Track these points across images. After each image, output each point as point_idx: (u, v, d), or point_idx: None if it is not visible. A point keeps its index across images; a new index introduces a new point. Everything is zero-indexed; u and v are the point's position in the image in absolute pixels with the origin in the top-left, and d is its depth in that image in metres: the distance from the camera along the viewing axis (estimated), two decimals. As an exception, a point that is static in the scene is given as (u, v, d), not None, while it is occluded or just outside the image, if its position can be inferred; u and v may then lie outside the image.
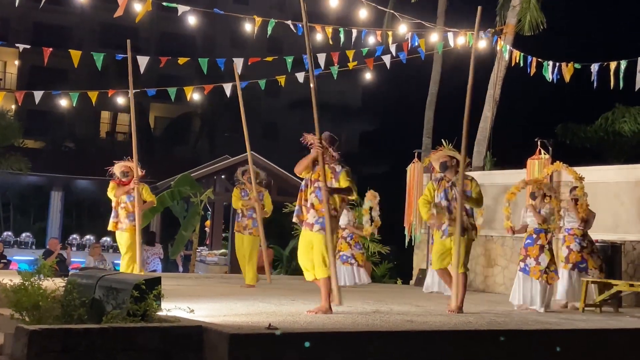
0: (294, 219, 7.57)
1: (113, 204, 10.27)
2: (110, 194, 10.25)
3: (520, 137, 11.51)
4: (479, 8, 8.57)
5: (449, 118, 17.61)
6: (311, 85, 7.55)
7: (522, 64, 12.55)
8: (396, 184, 14.90)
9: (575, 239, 9.75)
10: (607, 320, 8.21)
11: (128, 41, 10.28)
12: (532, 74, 12.21)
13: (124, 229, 10.17)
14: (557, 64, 11.74)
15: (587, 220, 9.75)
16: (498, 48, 14.43)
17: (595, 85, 11.27)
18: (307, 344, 5.37)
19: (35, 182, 27.78)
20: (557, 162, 11.33)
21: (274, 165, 21.64)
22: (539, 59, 11.98)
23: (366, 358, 5.60)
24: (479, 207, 8.74)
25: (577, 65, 11.34)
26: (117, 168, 10.28)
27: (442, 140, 13.15)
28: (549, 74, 11.84)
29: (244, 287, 10.66)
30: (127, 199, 10.22)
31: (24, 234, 25.19)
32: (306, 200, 7.32)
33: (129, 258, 10.13)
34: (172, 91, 13.80)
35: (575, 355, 6.54)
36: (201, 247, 20.01)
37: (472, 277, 12.75)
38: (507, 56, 14.06)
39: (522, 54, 12.46)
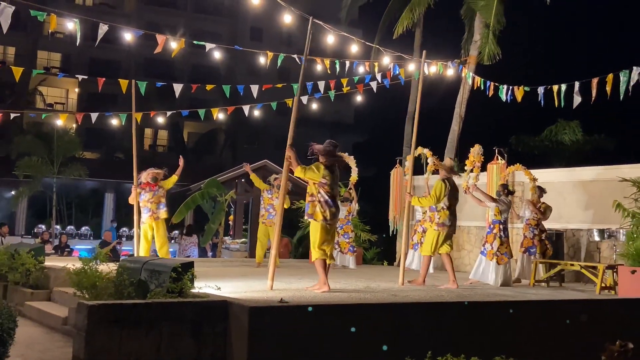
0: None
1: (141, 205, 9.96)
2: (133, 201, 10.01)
3: (482, 147, 11.47)
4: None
5: (424, 131, 17.64)
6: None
7: (482, 88, 12.54)
8: (382, 185, 14.91)
9: (529, 228, 9.77)
10: (552, 293, 8.22)
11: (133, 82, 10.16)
12: (490, 96, 12.20)
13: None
14: (510, 87, 11.73)
15: (543, 212, 9.77)
16: (463, 75, 14.42)
17: (542, 104, 11.28)
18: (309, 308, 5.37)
19: (92, 186, 27.79)
20: (517, 164, 11.34)
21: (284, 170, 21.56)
22: (496, 83, 11.97)
23: (359, 325, 5.60)
24: (429, 204, 8.62)
25: (527, 88, 11.32)
26: (147, 175, 10.14)
27: (419, 148, 13.18)
28: (503, 95, 11.83)
29: (258, 267, 10.75)
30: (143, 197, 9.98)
31: (83, 228, 25.20)
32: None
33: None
34: (201, 112, 13.80)
35: (527, 321, 6.54)
36: (226, 237, 19.97)
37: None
38: (470, 81, 14.04)
39: (482, 79, 12.45)
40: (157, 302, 5.38)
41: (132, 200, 10.08)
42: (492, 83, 11.79)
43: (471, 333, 6.12)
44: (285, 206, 11.11)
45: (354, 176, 12.33)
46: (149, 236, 10.00)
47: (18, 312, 5.87)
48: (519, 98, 11.39)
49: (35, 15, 8.76)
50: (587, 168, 11.30)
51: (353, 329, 5.50)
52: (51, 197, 23.02)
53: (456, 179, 8.62)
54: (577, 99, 10.23)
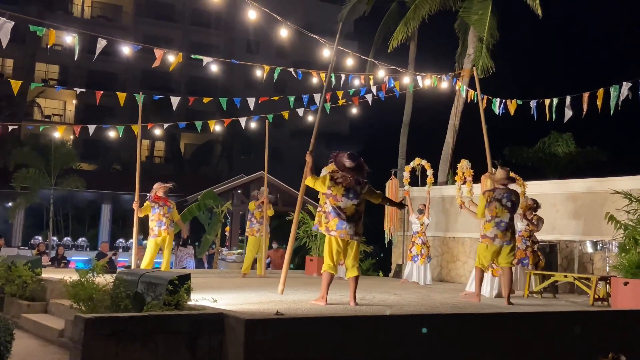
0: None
1: (152, 217, 10.08)
2: (147, 212, 10.10)
3: (476, 158, 11.51)
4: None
5: (418, 143, 17.71)
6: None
7: (475, 101, 12.64)
8: (377, 196, 14.89)
9: (522, 240, 9.78)
10: (546, 304, 8.22)
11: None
12: (483, 108, 12.30)
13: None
14: (504, 100, 11.83)
15: (536, 224, 9.76)
16: (457, 88, 14.52)
17: (535, 117, 11.37)
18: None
19: (89, 197, 27.73)
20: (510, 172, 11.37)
21: (280, 182, 21.62)
22: (489, 97, 12.05)
23: (354, 337, 5.59)
24: (476, 217, 8.62)
25: (519, 102, 11.42)
26: (160, 189, 10.21)
27: (417, 159, 13.24)
28: (497, 108, 11.91)
29: (253, 277, 10.95)
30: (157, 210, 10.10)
31: (80, 239, 25.12)
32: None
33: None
34: (198, 124, 13.84)
35: (520, 332, 6.54)
36: (222, 248, 19.94)
37: (439, 270, 12.76)
38: (464, 94, 14.13)
39: (475, 92, 12.54)
40: (154, 314, 5.36)
41: (143, 212, 10.05)
42: (485, 96, 11.88)
43: (465, 345, 6.11)
44: (270, 214, 11.65)
45: None
46: (157, 249, 10.06)
47: (14, 325, 5.84)
48: (512, 111, 11.48)
49: (34, 30, 8.80)
50: (579, 180, 11.35)
51: (350, 341, 5.49)
52: (48, 209, 22.95)
53: (515, 187, 8.38)
54: (568, 113, 10.32)
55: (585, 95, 9.97)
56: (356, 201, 6.92)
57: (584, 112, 9.97)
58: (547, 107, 10.83)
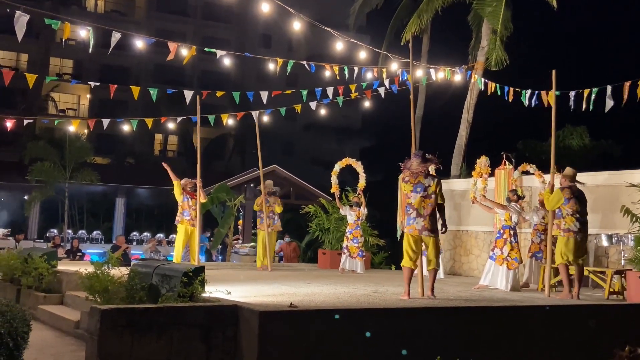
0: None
1: (181, 204, 10.68)
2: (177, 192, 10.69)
3: (489, 152, 11.45)
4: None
5: (431, 136, 17.60)
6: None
7: (499, 93, 12.59)
8: (390, 190, 14.86)
9: (537, 233, 9.74)
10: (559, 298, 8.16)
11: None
12: (510, 101, 12.25)
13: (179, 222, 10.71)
14: (536, 92, 11.76)
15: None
16: (472, 81, 14.42)
17: (572, 107, 11.32)
18: (336, 316, 5.42)
19: (103, 190, 27.86)
20: (524, 163, 11.38)
21: (292, 175, 21.58)
22: (517, 89, 12.01)
23: (367, 329, 5.58)
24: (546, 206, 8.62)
25: (557, 93, 11.24)
26: (188, 184, 10.83)
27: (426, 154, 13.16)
28: (526, 100, 11.85)
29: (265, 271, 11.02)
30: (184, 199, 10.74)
31: (94, 232, 25.31)
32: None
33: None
34: (211, 117, 13.87)
35: (535, 326, 6.50)
36: (235, 241, 19.97)
37: (452, 263, 12.71)
38: (482, 87, 14.01)
39: (497, 85, 12.49)
40: (169, 306, 5.38)
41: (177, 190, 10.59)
42: (510, 88, 11.81)
43: (480, 337, 6.08)
44: (279, 210, 11.88)
45: (362, 182, 12.41)
46: (187, 236, 10.60)
47: (31, 316, 5.89)
48: (549, 102, 11.36)
49: (49, 24, 8.84)
50: (594, 173, 11.23)
51: (368, 334, 5.49)
52: (63, 202, 23.12)
53: (579, 186, 8.47)
54: (609, 103, 10.25)
55: (627, 84, 9.88)
56: (424, 193, 7.19)
57: (624, 102, 9.93)
58: (584, 98, 10.79)
